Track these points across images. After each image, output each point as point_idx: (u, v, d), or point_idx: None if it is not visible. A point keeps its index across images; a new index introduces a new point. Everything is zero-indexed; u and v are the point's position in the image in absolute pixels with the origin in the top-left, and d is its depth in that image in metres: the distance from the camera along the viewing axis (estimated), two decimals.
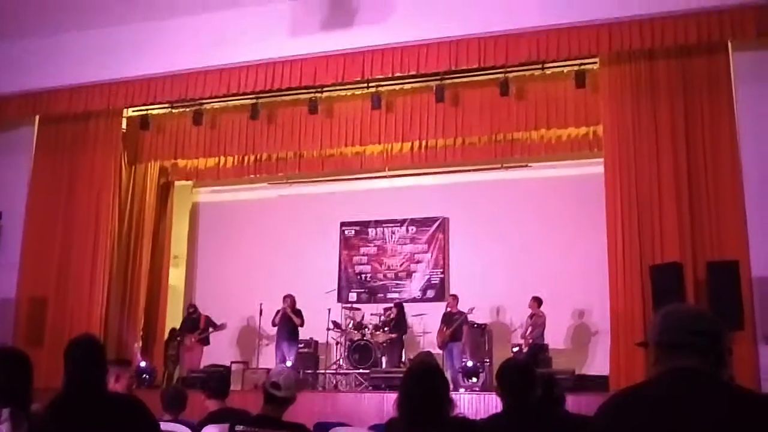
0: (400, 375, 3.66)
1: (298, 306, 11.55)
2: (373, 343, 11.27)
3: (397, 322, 11.49)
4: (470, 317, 10.95)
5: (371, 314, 12.15)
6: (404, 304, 12.05)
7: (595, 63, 10.29)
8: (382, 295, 12.75)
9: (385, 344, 11.33)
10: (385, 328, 11.48)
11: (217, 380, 5.19)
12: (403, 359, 11.15)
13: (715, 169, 9.20)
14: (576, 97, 10.67)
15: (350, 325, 11.93)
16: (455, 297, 11.29)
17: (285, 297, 11.50)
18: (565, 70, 10.75)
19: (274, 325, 11.62)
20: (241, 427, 3.81)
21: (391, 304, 11.96)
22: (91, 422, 3.11)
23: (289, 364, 10.79)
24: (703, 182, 9.23)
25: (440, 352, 10.82)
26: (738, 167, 8.99)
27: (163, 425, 3.94)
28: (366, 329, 11.64)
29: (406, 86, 11.51)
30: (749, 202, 8.83)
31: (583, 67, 10.48)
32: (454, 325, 10.88)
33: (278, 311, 11.54)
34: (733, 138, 9.11)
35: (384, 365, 11.09)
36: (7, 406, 2.92)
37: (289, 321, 11.43)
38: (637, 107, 9.67)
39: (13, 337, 10.84)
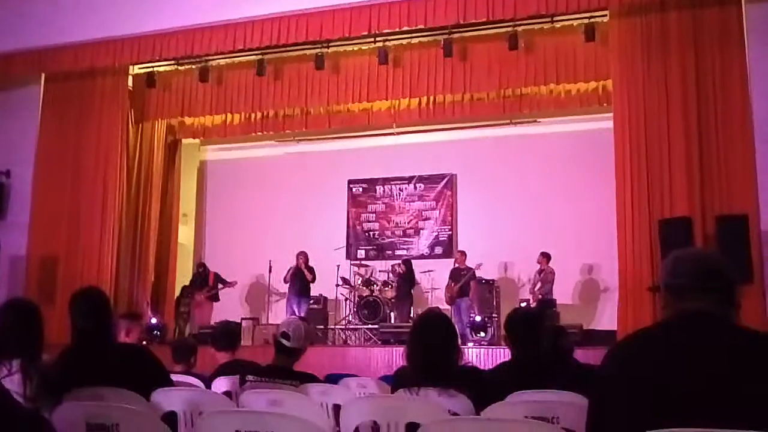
0: (409, 329, 3.67)
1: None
2: (381, 299, 11.36)
3: (406, 278, 11.54)
4: (478, 273, 10.99)
5: (380, 271, 12.21)
6: (412, 260, 12.09)
7: (605, 16, 10.14)
8: (390, 252, 12.78)
9: (393, 300, 11.41)
10: (394, 283, 11.53)
11: (223, 332, 5.23)
12: (411, 315, 11.21)
13: (725, 123, 9.11)
14: (586, 50, 10.52)
15: (359, 282, 11.99)
16: (463, 253, 11.31)
17: (299, 254, 11.56)
18: (575, 23, 10.59)
19: (285, 281, 11.69)
20: (252, 376, 3.85)
21: (398, 261, 11.99)
22: (101, 371, 3.15)
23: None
24: (713, 136, 9.15)
25: (449, 308, 10.87)
26: (749, 121, 8.89)
27: (174, 377, 3.98)
28: (375, 285, 11.72)
29: (414, 41, 11.38)
30: (759, 156, 8.76)
31: (593, 20, 10.33)
32: (462, 280, 10.92)
33: (290, 268, 11.60)
34: (744, 92, 9.00)
35: (393, 320, 11.19)
36: (18, 358, 2.94)
37: (302, 277, 11.50)
38: (647, 61, 9.55)
39: (24, 295, 10.94)
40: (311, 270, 11.54)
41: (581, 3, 9.35)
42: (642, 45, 9.59)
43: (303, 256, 11.55)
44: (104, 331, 3.35)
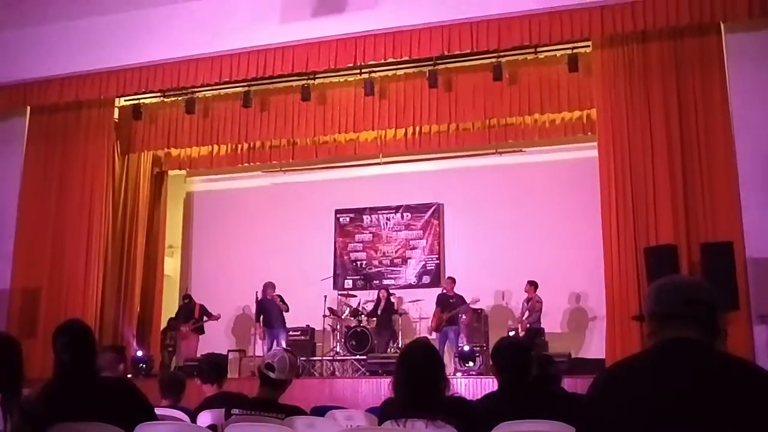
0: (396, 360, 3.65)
1: (294, 293, 11.52)
2: (369, 330, 11.29)
3: (387, 308, 11.47)
4: (471, 305, 10.93)
5: (367, 301, 12.15)
6: (401, 290, 12.21)
7: (588, 46, 10.28)
8: (377, 281, 12.73)
9: (375, 329, 11.33)
10: (378, 313, 11.46)
11: (209, 365, 5.17)
12: (399, 344, 11.14)
13: (709, 151, 9.20)
14: (569, 80, 10.64)
15: (346, 312, 11.94)
16: (452, 280, 11.31)
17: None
18: (558, 54, 10.73)
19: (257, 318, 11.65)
20: (237, 410, 3.80)
21: (376, 291, 11.94)
22: (84, 405, 3.10)
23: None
24: (697, 164, 9.24)
25: (434, 336, 10.81)
26: (731, 148, 8.99)
27: (160, 411, 3.93)
28: (362, 316, 11.66)
29: (399, 72, 11.49)
30: (743, 183, 8.84)
31: (576, 50, 10.46)
32: (452, 309, 10.86)
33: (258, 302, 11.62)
34: (726, 119, 9.11)
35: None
36: None
37: (277, 308, 11.43)
38: (630, 90, 9.67)
39: (6, 328, 10.78)
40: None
41: (564, 34, 9.45)
42: (625, 74, 9.71)
43: (272, 287, 11.50)
44: (87, 365, 3.30)
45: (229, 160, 12.96)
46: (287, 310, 11.43)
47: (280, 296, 11.46)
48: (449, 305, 10.95)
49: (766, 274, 8.51)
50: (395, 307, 11.83)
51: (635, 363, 2.09)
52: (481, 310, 11.27)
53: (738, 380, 1.90)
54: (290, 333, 11.50)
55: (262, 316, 11.49)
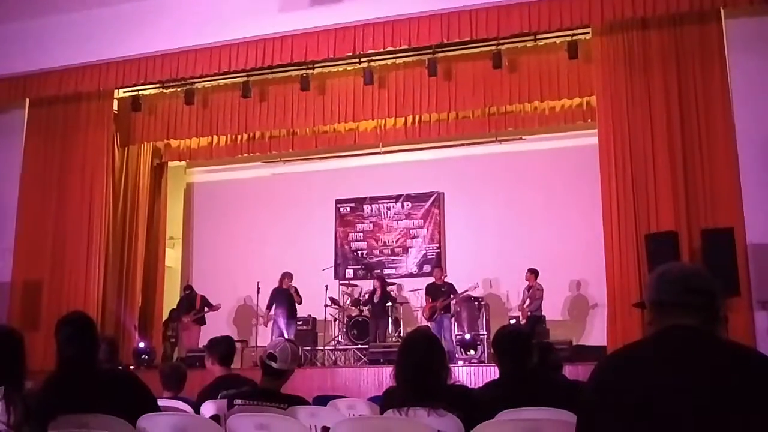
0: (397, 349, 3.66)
1: (295, 284, 11.54)
2: (370, 319, 11.31)
3: (383, 296, 11.48)
4: (470, 292, 10.96)
5: (367, 290, 12.17)
6: (402, 279, 12.27)
7: (588, 33, 10.24)
8: (378, 271, 12.75)
9: (372, 319, 11.34)
10: (374, 301, 11.46)
11: (225, 346, 5.15)
12: (401, 333, 11.17)
13: (709, 137, 9.18)
14: (569, 68, 10.62)
15: (348, 302, 11.95)
16: (441, 269, 11.43)
17: (285, 275, 11.52)
18: (558, 41, 10.71)
19: (269, 308, 11.61)
20: (240, 400, 3.81)
21: (372, 281, 11.95)
22: (86, 397, 3.11)
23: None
24: (697, 150, 9.23)
25: (428, 323, 10.83)
26: (732, 134, 8.97)
27: (162, 402, 3.94)
28: (362, 305, 11.68)
29: (398, 61, 11.46)
30: (743, 169, 8.83)
31: (575, 37, 10.43)
32: (444, 297, 10.90)
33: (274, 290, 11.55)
34: (726, 105, 9.09)
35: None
36: (1, 385, 2.89)
37: (290, 299, 11.42)
38: (630, 77, 9.63)
39: (8, 321, 10.80)
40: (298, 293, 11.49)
41: (564, 21, 9.40)
42: (624, 61, 9.68)
43: (289, 277, 11.49)
44: (90, 357, 3.31)
45: (229, 150, 12.95)
46: (300, 303, 11.43)
47: (295, 288, 11.45)
48: (440, 293, 10.97)
49: (766, 260, 8.52)
50: (392, 296, 11.82)
51: (636, 351, 2.10)
52: (481, 298, 11.29)
53: (739, 367, 1.91)
54: None
55: (274, 305, 11.47)
